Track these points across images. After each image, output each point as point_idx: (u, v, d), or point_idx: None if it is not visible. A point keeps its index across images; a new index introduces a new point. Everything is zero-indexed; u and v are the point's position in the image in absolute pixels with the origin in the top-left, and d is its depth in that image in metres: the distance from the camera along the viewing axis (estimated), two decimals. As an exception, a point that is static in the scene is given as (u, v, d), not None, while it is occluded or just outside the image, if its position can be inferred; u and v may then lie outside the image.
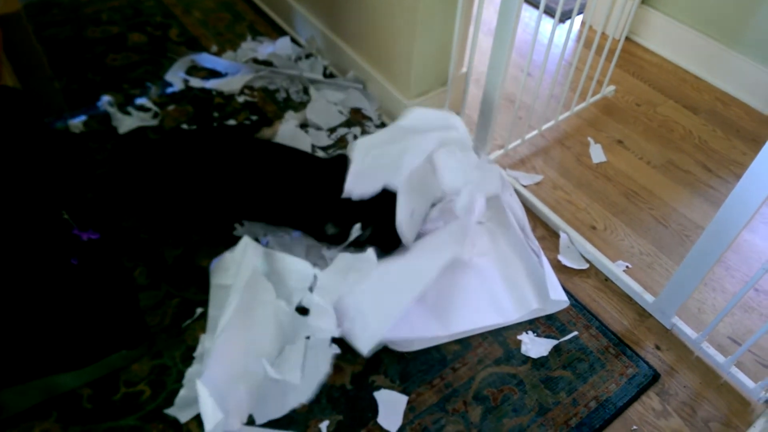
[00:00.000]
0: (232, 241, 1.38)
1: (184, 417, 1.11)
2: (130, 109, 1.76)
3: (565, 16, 2.28)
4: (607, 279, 1.42)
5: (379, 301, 1.23)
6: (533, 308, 1.30)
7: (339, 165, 1.39)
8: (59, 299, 0.95)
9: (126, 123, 1.71)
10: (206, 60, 1.97)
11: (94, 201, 1.19)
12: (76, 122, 1.69)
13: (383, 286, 1.26)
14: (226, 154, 1.40)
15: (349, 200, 1.34)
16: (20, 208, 0.83)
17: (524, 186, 1.61)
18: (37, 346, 1.01)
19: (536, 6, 2.30)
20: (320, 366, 1.19)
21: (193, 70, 1.94)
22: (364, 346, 1.19)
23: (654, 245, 1.50)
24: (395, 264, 1.29)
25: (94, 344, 1.06)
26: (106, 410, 1.12)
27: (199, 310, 1.28)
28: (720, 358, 1.24)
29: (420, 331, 1.24)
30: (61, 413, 1.11)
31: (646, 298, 1.35)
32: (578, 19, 2.27)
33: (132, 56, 1.99)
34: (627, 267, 1.44)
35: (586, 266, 1.44)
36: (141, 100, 1.80)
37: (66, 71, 1.90)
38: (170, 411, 1.12)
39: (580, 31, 2.21)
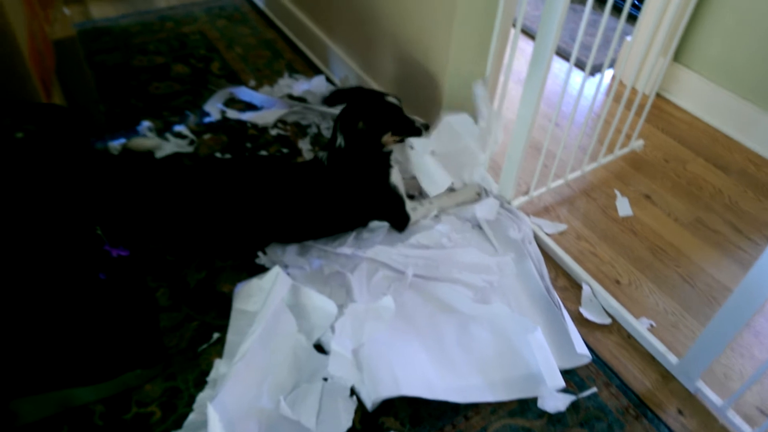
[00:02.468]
0: (255, 269, 1.39)
1: (191, 442, 1.10)
2: (168, 135, 1.82)
3: (596, 70, 2.31)
4: (630, 336, 1.39)
5: (391, 360, 1.23)
6: (548, 383, 1.24)
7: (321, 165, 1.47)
8: (84, 312, 0.97)
9: (163, 148, 1.76)
10: (244, 93, 2.04)
11: (125, 220, 1.22)
12: (116, 144, 1.76)
13: (398, 345, 1.26)
14: (257, 182, 1.44)
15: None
16: (59, 219, 0.86)
17: (547, 234, 1.60)
18: (58, 357, 1.02)
19: (567, 58, 2.34)
20: (341, 419, 1.16)
21: (231, 102, 2.01)
22: (370, 401, 1.17)
23: (680, 304, 1.47)
24: (411, 320, 1.31)
25: (113, 360, 1.07)
26: (116, 428, 1.12)
27: (216, 335, 1.29)
28: (746, 429, 1.19)
29: (429, 392, 1.20)
30: (72, 427, 1.12)
31: (670, 359, 1.31)
32: (608, 73, 2.30)
33: (174, 85, 2.07)
34: (651, 325, 1.41)
35: (608, 321, 1.41)
36: (179, 128, 1.86)
37: (111, 95, 1.98)
38: (179, 433, 1.11)
39: (610, 85, 2.23)
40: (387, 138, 1.46)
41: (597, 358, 1.32)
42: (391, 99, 1.46)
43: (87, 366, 1.06)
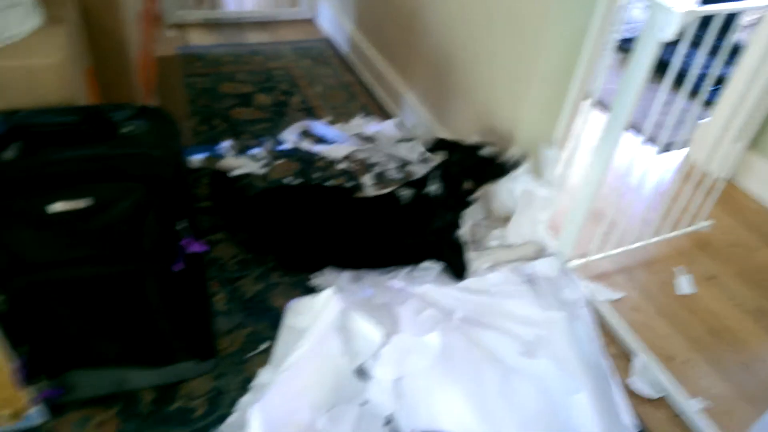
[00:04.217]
0: (308, 289, 1.44)
1: (229, 440, 1.13)
2: (244, 156, 1.93)
3: (667, 148, 2.30)
4: (679, 415, 1.33)
5: (431, 395, 1.23)
6: None
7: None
8: (153, 297, 1.03)
9: (238, 167, 1.87)
10: (318, 127, 2.15)
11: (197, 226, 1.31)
12: (197, 158, 1.88)
13: (439, 382, 1.26)
14: (325, 207, 1.52)
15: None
16: (158, 207, 0.95)
17: (602, 300, 1.58)
18: (121, 335, 1.08)
19: (638, 132, 2.35)
20: None
21: (306, 134, 2.12)
22: (406, 431, 1.17)
23: (735, 391, 1.41)
24: (454, 362, 1.30)
25: (170, 347, 1.12)
26: (162, 417, 1.17)
27: (264, 345, 1.33)
28: None
29: None
30: (122, 409, 1.17)
31: (721, 444, 1.25)
32: (680, 152, 2.29)
33: (256, 113, 2.20)
34: (704, 407, 1.35)
35: (658, 396, 1.36)
36: (255, 151, 1.97)
37: (198, 114, 2.13)
38: (218, 431, 1.14)
39: (682, 165, 2.22)
40: (480, 190, 1.55)
41: (643, 432, 1.28)
42: (485, 152, 1.53)
43: (146, 349, 1.12)
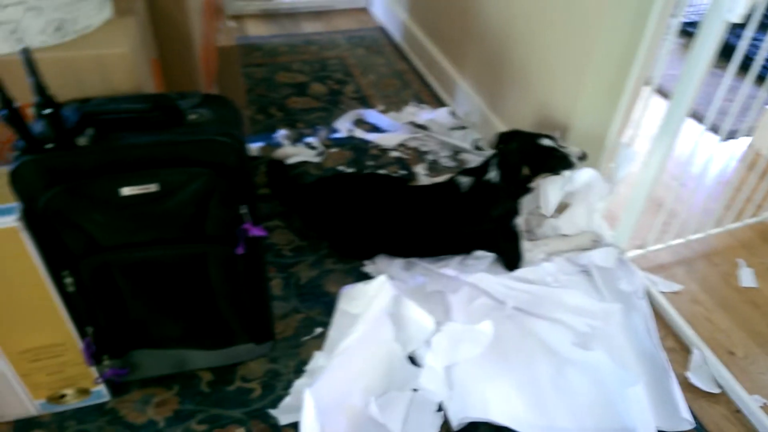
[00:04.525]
0: (361, 275, 1.46)
1: (284, 420, 1.17)
2: (299, 144, 1.98)
3: (730, 136, 2.20)
4: (738, 411, 1.29)
5: (483, 383, 1.24)
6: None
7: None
8: (216, 279, 1.08)
9: (294, 156, 1.91)
10: (372, 116, 2.17)
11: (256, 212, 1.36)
12: (255, 146, 1.93)
13: (491, 371, 1.27)
14: (381, 195, 1.55)
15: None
16: (222, 191, 0.99)
17: (661, 292, 1.54)
18: (181, 317, 1.13)
19: (699, 120, 2.26)
20: (426, 431, 1.18)
21: (359, 122, 2.15)
22: (456, 419, 1.18)
23: (801, 389, 1.35)
24: (507, 352, 1.31)
25: (229, 329, 1.17)
26: (219, 397, 1.22)
27: (318, 330, 1.37)
28: None
29: (516, 424, 1.19)
30: (182, 389, 1.23)
31: (784, 443, 1.21)
32: (744, 140, 2.19)
33: (311, 102, 2.24)
34: (765, 404, 1.31)
35: (717, 391, 1.32)
36: (310, 139, 2.01)
37: (255, 103, 2.18)
38: (273, 412, 1.19)
39: (746, 153, 2.12)
40: (538, 179, 1.53)
41: (700, 427, 1.24)
42: (545, 142, 1.50)
43: (206, 331, 1.17)
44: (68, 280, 1.01)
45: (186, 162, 0.97)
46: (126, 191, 0.95)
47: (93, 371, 1.14)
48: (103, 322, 1.09)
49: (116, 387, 1.22)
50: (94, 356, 1.11)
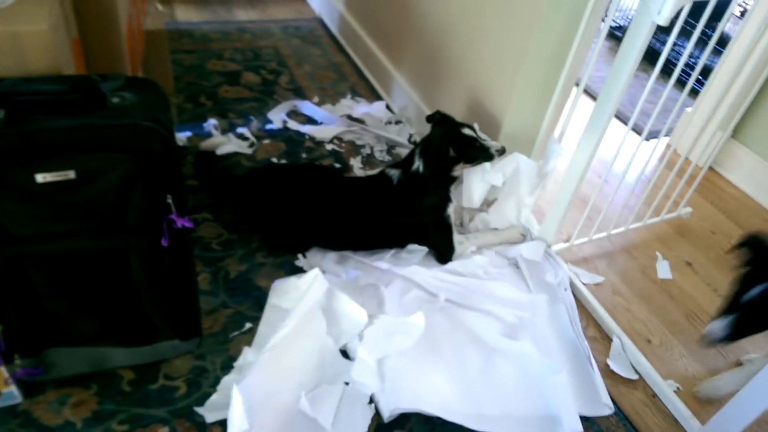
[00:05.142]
0: (292, 269, 1.44)
1: (210, 418, 1.13)
2: (230, 135, 1.92)
3: (652, 136, 2.33)
4: (654, 395, 1.37)
5: (414, 375, 1.25)
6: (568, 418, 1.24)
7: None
8: (138, 272, 1.03)
9: (224, 146, 1.85)
10: (306, 108, 2.13)
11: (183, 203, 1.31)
12: (182, 136, 1.86)
13: (422, 362, 1.28)
14: (315, 187, 1.53)
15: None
16: (146, 179, 0.94)
17: (583, 283, 1.61)
18: (101, 313, 1.07)
19: (623, 121, 2.37)
20: (357, 424, 1.17)
21: (293, 114, 2.11)
22: (387, 411, 1.18)
23: (709, 373, 1.44)
24: (438, 343, 1.32)
25: (152, 326, 1.12)
26: (141, 396, 1.16)
27: (248, 325, 1.33)
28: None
29: (446, 413, 1.20)
30: (101, 388, 1.16)
31: (693, 425, 1.29)
32: (664, 140, 2.31)
33: (243, 92, 2.18)
34: (678, 388, 1.39)
35: (635, 377, 1.40)
36: (242, 130, 1.95)
37: (183, 91, 2.10)
38: (200, 409, 1.14)
39: (664, 152, 2.25)
40: (460, 166, 1.53)
41: (619, 412, 1.31)
42: (467, 131, 1.52)
43: (127, 327, 1.11)
44: (-26, 274, 0.93)
45: (107, 147, 0.92)
46: (41, 178, 0.89)
47: (3, 371, 1.06)
48: (14, 318, 1.02)
49: (29, 387, 1.14)
50: (5, 355, 1.04)
